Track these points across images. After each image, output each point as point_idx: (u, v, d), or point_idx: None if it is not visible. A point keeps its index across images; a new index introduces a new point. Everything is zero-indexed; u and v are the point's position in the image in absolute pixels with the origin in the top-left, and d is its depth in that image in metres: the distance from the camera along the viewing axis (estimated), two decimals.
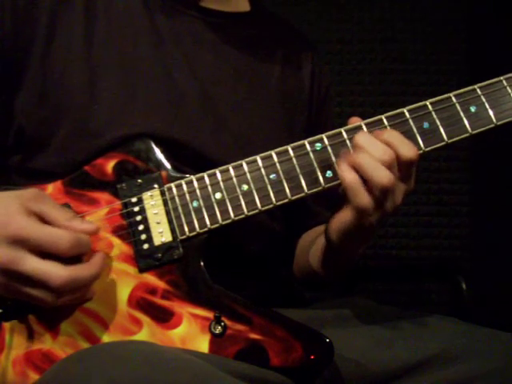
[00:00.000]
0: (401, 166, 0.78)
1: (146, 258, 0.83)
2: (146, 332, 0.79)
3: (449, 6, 1.83)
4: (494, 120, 0.81)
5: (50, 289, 0.72)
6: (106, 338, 0.80)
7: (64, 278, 0.72)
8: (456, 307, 1.21)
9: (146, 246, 0.83)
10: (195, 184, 0.84)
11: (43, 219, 0.75)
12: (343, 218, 0.83)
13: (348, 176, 0.78)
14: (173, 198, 0.84)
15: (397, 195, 0.79)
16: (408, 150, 0.78)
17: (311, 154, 0.82)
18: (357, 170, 0.78)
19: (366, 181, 0.78)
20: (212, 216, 0.83)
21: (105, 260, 0.79)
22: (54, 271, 0.71)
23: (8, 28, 0.89)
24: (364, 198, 0.78)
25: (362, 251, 0.93)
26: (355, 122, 0.83)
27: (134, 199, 0.85)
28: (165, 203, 0.84)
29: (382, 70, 1.84)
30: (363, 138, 0.79)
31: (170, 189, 0.85)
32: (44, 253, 0.72)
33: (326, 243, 0.91)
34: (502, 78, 0.83)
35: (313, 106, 1.11)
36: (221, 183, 0.83)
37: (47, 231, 0.73)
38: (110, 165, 0.87)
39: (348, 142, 0.82)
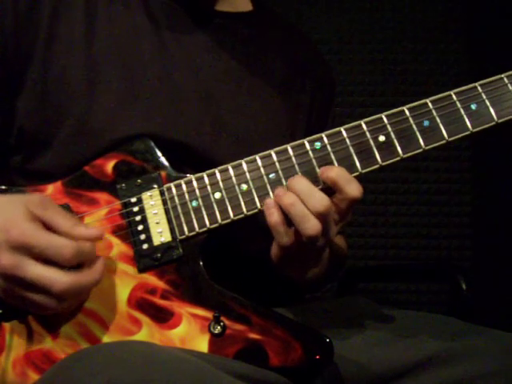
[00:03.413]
0: (343, 204, 0.79)
1: (145, 257, 0.82)
2: (146, 332, 0.79)
3: (449, 5, 1.83)
4: (495, 118, 0.81)
5: (52, 295, 0.72)
6: (106, 338, 0.80)
7: (67, 284, 0.72)
8: (456, 307, 1.21)
9: (145, 246, 0.83)
10: (194, 184, 0.84)
11: (47, 225, 0.75)
12: (273, 248, 0.84)
13: (272, 218, 0.78)
14: (172, 198, 0.84)
15: (331, 232, 0.80)
16: (353, 190, 0.78)
17: (311, 153, 0.82)
18: (284, 212, 0.78)
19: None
20: (211, 216, 0.83)
21: (105, 264, 0.79)
22: (57, 277, 0.72)
23: (9, 31, 0.90)
24: (285, 240, 0.79)
25: (317, 272, 0.93)
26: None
27: (133, 199, 0.85)
28: (164, 203, 0.84)
29: (382, 70, 1.84)
30: (301, 184, 0.78)
31: (169, 189, 0.84)
32: (46, 260, 0.72)
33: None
34: (503, 75, 0.82)
35: (314, 108, 1.10)
36: (220, 183, 0.83)
37: (50, 239, 0.73)
38: (109, 165, 0.87)
39: (347, 140, 0.82)
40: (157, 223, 0.84)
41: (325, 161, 0.82)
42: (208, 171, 0.84)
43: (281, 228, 0.79)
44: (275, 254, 0.84)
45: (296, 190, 0.78)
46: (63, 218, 0.76)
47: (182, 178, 0.85)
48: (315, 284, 1.03)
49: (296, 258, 0.83)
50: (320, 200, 0.76)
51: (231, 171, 0.83)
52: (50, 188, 0.87)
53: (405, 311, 0.97)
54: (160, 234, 0.83)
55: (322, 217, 0.76)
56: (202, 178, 0.84)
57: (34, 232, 0.72)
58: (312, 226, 0.76)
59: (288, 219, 0.79)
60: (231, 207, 0.82)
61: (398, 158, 0.81)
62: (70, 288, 0.72)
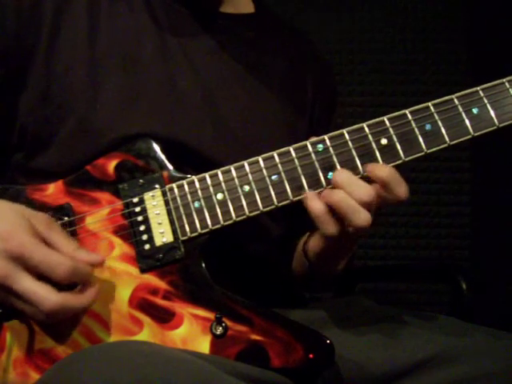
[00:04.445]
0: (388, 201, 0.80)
1: (147, 258, 0.82)
2: (147, 332, 0.79)
3: (449, 4, 1.83)
4: (496, 122, 0.81)
5: (40, 310, 0.72)
6: (107, 338, 0.80)
7: (54, 304, 0.72)
8: (456, 307, 1.21)
9: (147, 247, 0.83)
10: (197, 184, 0.84)
11: (49, 244, 0.75)
12: (317, 240, 0.84)
13: (315, 207, 0.79)
14: (174, 199, 0.84)
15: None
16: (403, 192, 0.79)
17: (313, 155, 0.82)
18: (333, 208, 0.78)
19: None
20: (213, 216, 0.83)
21: (99, 292, 0.78)
22: (46, 295, 0.71)
23: (12, 29, 0.90)
24: (331, 228, 0.79)
25: (342, 266, 0.94)
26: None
27: (135, 199, 0.85)
28: (166, 204, 0.84)
29: (382, 70, 1.84)
30: (343, 175, 0.79)
31: (171, 189, 0.84)
32: (40, 274, 0.72)
33: (305, 260, 0.93)
34: (504, 80, 0.83)
35: (315, 109, 1.11)
36: (222, 184, 0.83)
37: (48, 254, 0.73)
38: (111, 165, 0.87)
39: (350, 143, 0.82)
40: (159, 224, 0.84)
41: (327, 163, 0.82)
42: (210, 172, 0.84)
43: (327, 216, 0.78)
44: (317, 247, 0.84)
45: (338, 182, 0.79)
46: (66, 239, 0.77)
47: (184, 178, 0.85)
48: (335, 277, 1.04)
49: (335, 249, 0.84)
50: (366, 190, 0.77)
51: (234, 172, 0.83)
52: (52, 187, 0.87)
53: (405, 311, 0.97)
54: (162, 234, 0.83)
55: (367, 206, 0.77)
56: (205, 178, 0.84)
57: (34, 245, 0.72)
58: (365, 218, 0.77)
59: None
60: (233, 208, 0.82)
61: (399, 161, 0.81)
62: (56, 308, 0.72)
